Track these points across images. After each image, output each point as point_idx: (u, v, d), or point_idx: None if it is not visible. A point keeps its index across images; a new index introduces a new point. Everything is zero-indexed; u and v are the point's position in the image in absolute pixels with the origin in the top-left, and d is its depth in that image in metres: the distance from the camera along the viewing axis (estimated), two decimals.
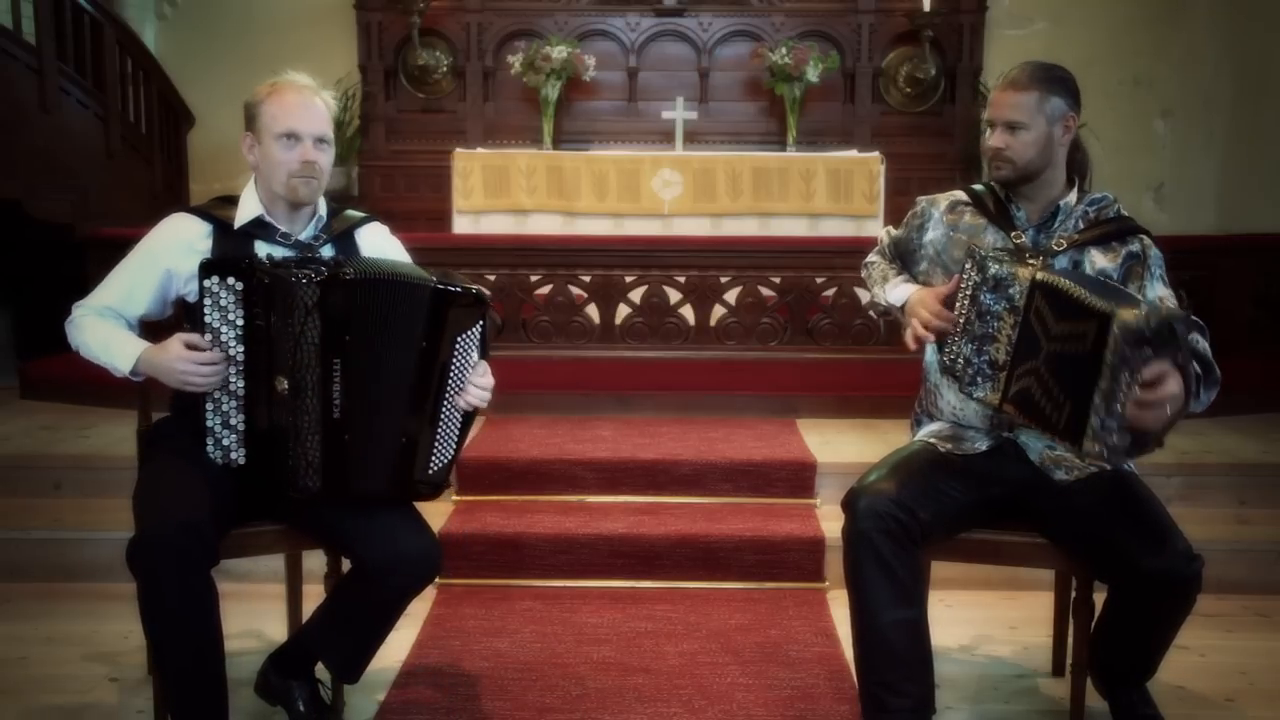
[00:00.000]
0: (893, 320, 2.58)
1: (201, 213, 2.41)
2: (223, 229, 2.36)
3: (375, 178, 7.27)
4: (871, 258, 2.68)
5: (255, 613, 3.01)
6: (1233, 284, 4.79)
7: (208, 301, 2.20)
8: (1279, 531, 3.52)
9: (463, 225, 6.16)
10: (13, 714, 2.57)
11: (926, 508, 2.29)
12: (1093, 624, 2.41)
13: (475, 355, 2.36)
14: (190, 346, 2.21)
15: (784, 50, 6.87)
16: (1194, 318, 2.20)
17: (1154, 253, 2.39)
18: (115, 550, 3.20)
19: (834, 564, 2.82)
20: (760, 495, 3.63)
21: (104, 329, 2.34)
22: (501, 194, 6.17)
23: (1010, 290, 2.23)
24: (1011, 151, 2.36)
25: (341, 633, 2.36)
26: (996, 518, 2.44)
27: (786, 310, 4.73)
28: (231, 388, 2.25)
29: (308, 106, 2.35)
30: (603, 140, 7.23)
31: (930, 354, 2.52)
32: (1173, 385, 2.02)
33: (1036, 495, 2.39)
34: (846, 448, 3.84)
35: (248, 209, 2.38)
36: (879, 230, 2.82)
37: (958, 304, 2.30)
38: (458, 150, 6.36)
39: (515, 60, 6.96)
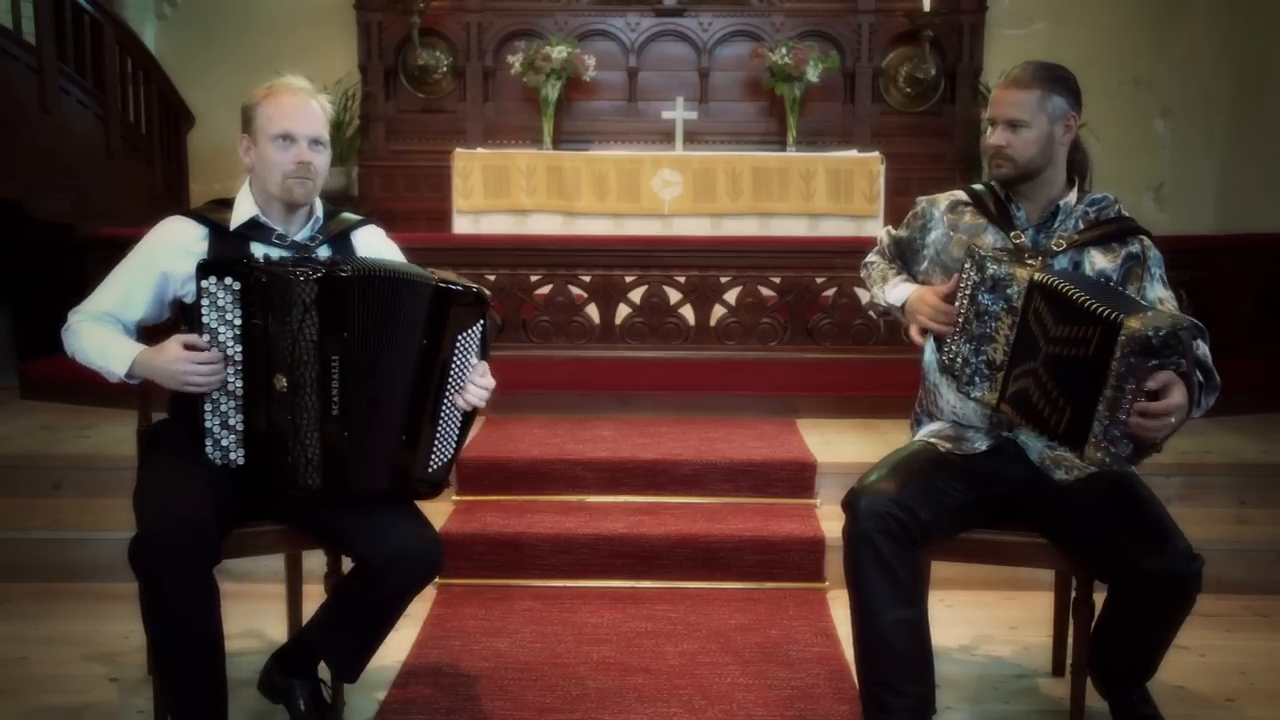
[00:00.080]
0: (892, 320, 2.58)
1: (197, 215, 2.42)
2: (218, 231, 2.37)
3: (375, 178, 7.28)
4: (871, 258, 2.68)
5: (255, 613, 3.01)
6: (1233, 284, 4.79)
7: (205, 302, 2.21)
8: (1279, 531, 3.52)
9: (463, 225, 6.16)
10: (13, 714, 2.57)
11: (927, 508, 2.29)
12: (1093, 624, 2.41)
13: (475, 354, 2.36)
14: (189, 347, 2.22)
15: (784, 50, 6.87)
16: (1194, 320, 2.21)
17: (1154, 254, 2.39)
18: (115, 550, 3.21)
19: (834, 564, 2.82)
20: (760, 495, 3.63)
21: (100, 334, 2.34)
22: (501, 194, 6.17)
23: (1008, 290, 2.23)
24: (1012, 149, 2.36)
25: (343, 631, 2.37)
26: (996, 518, 2.44)
27: (786, 310, 4.73)
28: (230, 388, 2.25)
29: (303, 108, 2.36)
30: (603, 140, 7.23)
31: (929, 354, 2.52)
32: (1177, 395, 2.03)
33: (1036, 495, 2.39)
34: (846, 448, 3.84)
35: (243, 211, 2.39)
36: (879, 230, 2.82)
37: (957, 303, 2.30)
38: (458, 150, 6.36)
39: (515, 60, 6.96)
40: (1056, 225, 2.40)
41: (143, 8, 7.34)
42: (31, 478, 3.73)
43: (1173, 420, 2.05)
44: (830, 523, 3.35)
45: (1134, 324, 2.00)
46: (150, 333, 2.44)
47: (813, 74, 6.83)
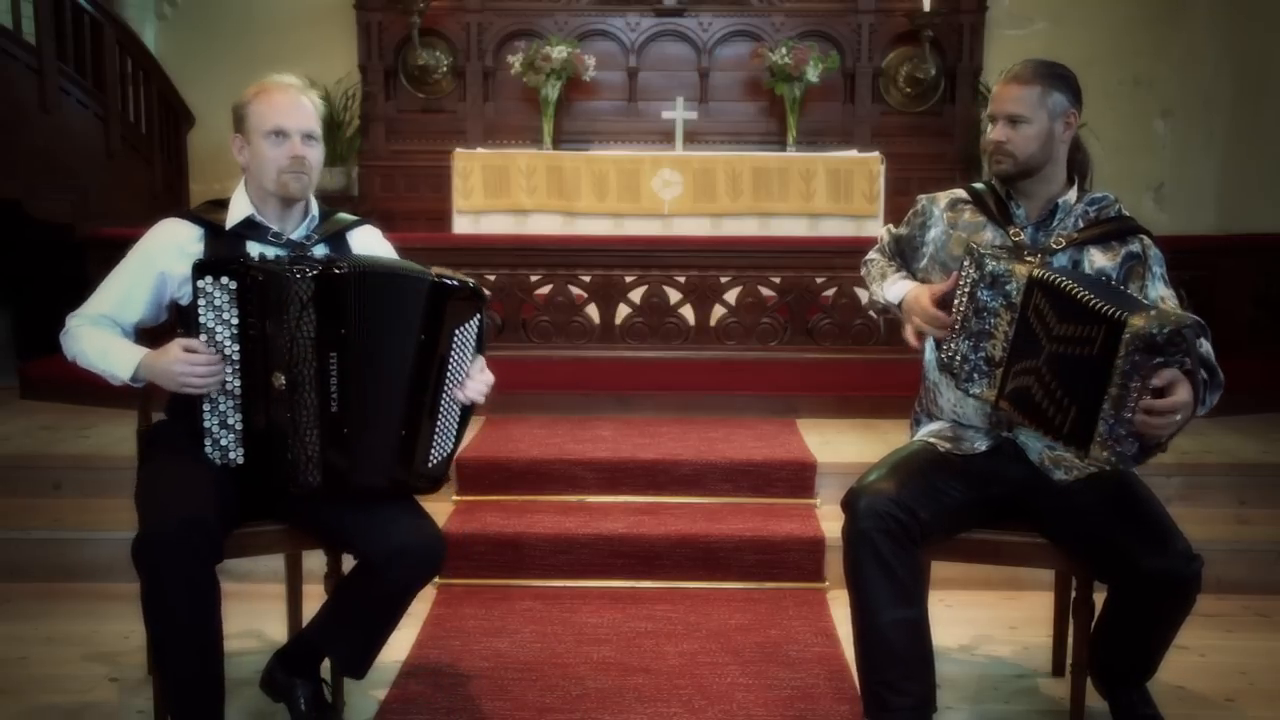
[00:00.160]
0: (892, 319, 2.58)
1: (192, 216, 2.42)
2: (214, 231, 2.38)
3: (375, 178, 7.28)
4: (871, 255, 2.68)
5: (255, 613, 3.02)
6: (1233, 284, 4.79)
7: (202, 302, 2.21)
8: (1279, 531, 3.52)
9: (463, 225, 6.16)
10: (13, 714, 2.58)
11: (926, 507, 2.29)
12: (1093, 624, 2.41)
13: (473, 349, 2.37)
14: (188, 350, 2.22)
15: (784, 50, 6.87)
16: (1198, 319, 2.21)
17: (1154, 252, 2.39)
18: (115, 550, 3.22)
19: (834, 564, 2.82)
20: (760, 495, 3.63)
21: (101, 337, 2.34)
22: (501, 194, 6.17)
23: (1007, 287, 2.23)
24: (1013, 145, 2.37)
25: (348, 629, 2.37)
26: (996, 517, 2.44)
27: (786, 310, 4.73)
28: (228, 387, 2.25)
29: (295, 104, 2.37)
30: (603, 140, 7.23)
31: (929, 353, 2.52)
32: (1183, 393, 2.03)
33: (1036, 495, 2.39)
34: (846, 448, 3.84)
35: (238, 210, 2.40)
36: (879, 230, 2.82)
37: (955, 301, 2.30)
38: (458, 150, 6.36)
39: (515, 60, 6.96)
40: (1056, 223, 2.40)
41: (143, 8, 7.34)
42: (31, 478, 3.73)
43: (1178, 418, 2.04)
44: (830, 523, 3.35)
45: (1138, 321, 2.00)
46: (148, 335, 2.44)
47: (813, 74, 6.83)
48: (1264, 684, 2.80)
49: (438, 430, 2.34)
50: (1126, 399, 2.02)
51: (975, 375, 2.29)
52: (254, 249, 2.34)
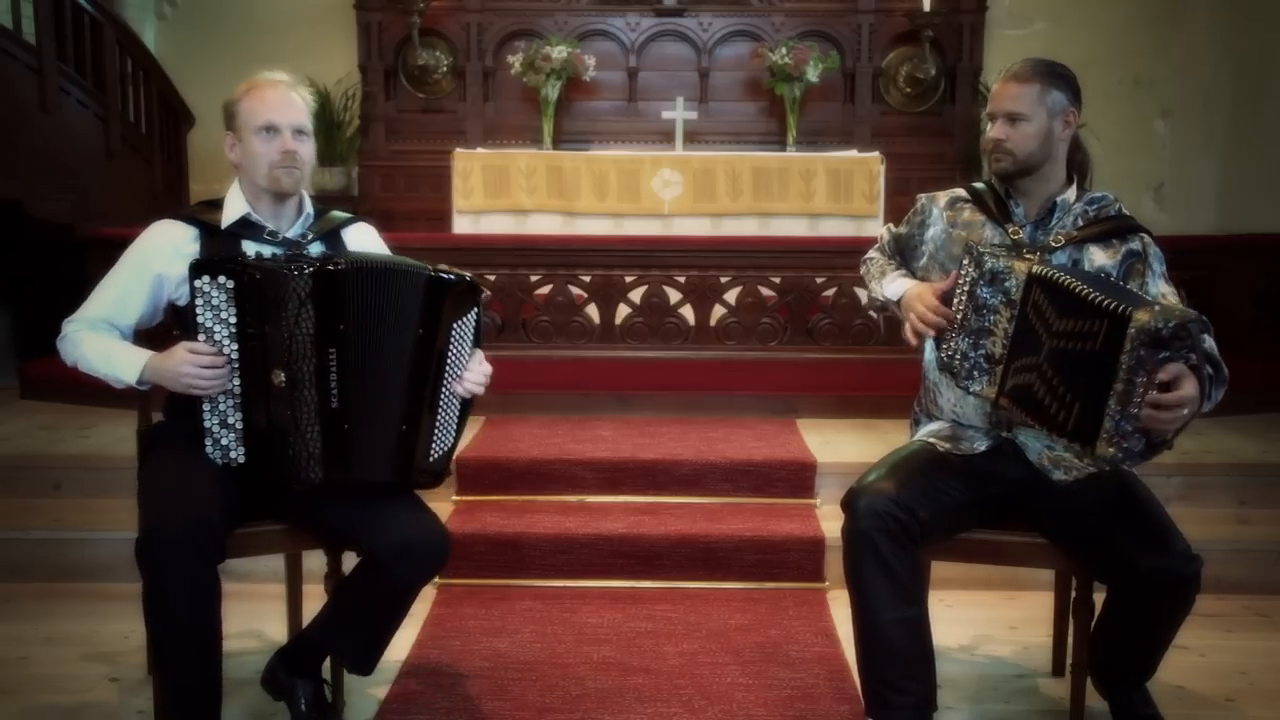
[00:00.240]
0: (892, 318, 2.58)
1: (186, 217, 2.43)
2: (209, 232, 2.38)
3: (375, 178, 7.28)
4: (871, 254, 2.68)
5: (255, 613, 3.01)
6: (1233, 284, 4.79)
7: (199, 302, 2.21)
8: (1279, 531, 3.52)
9: (463, 225, 6.16)
10: (13, 714, 2.58)
11: (926, 507, 2.29)
12: (1093, 624, 2.41)
13: (471, 343, 2.38)
14: (194, 351, 2.22)
15: (784, 50, 6.87)
16: (1201, 315, 2.20)
17: (1154, 250, 2.39)
18: (115, 550, 3.23)
19: (834, 564, 2.82)
20: (760, 495, 3.63)
21: (101, 341, 2.34)
22: (501, 194, 6.17)
23: (1006, 284, 2.23)
24: (1012, 143, 2.37)
25: (353, 626, 2.37)
26: (996, 517, 2.44)
27: (786, 310, 4.73)
28: (228, 386, 2.25)
29: (285, 99, 2.38)
30: (603, 140, 7.23)
31: (929, 353, 2.52)
32: (1189, 387, 2.03)
33: (1036, 495, 2.39)
34: (846, 448, 3.84)
35: (233, 209, 2.40)
36: (879, 230, 2.82)
37: (955, 300, 2.30)
38: (458, 150, 6.36)
39: (515, 60, 6.96)
40: (1055, 222, 2.41)
41: (143, 8, 7.34)
42: (31, 478, 3.73)
43: (1185, 412, 2.04)
44: (830, 523, 3.35)
45: (1143, 316, 2.00)
46: (144, 338, 2.44)
47: (813, 74, 6.83)
48: (1264, 684, 2.80)
49: (438, 424, 2.35)
50: (1132, 394, 2.01)
51: (975, 373, 2.29)
52: (250, 248, 2.34)
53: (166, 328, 2.45)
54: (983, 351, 2.28)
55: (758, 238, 5.77)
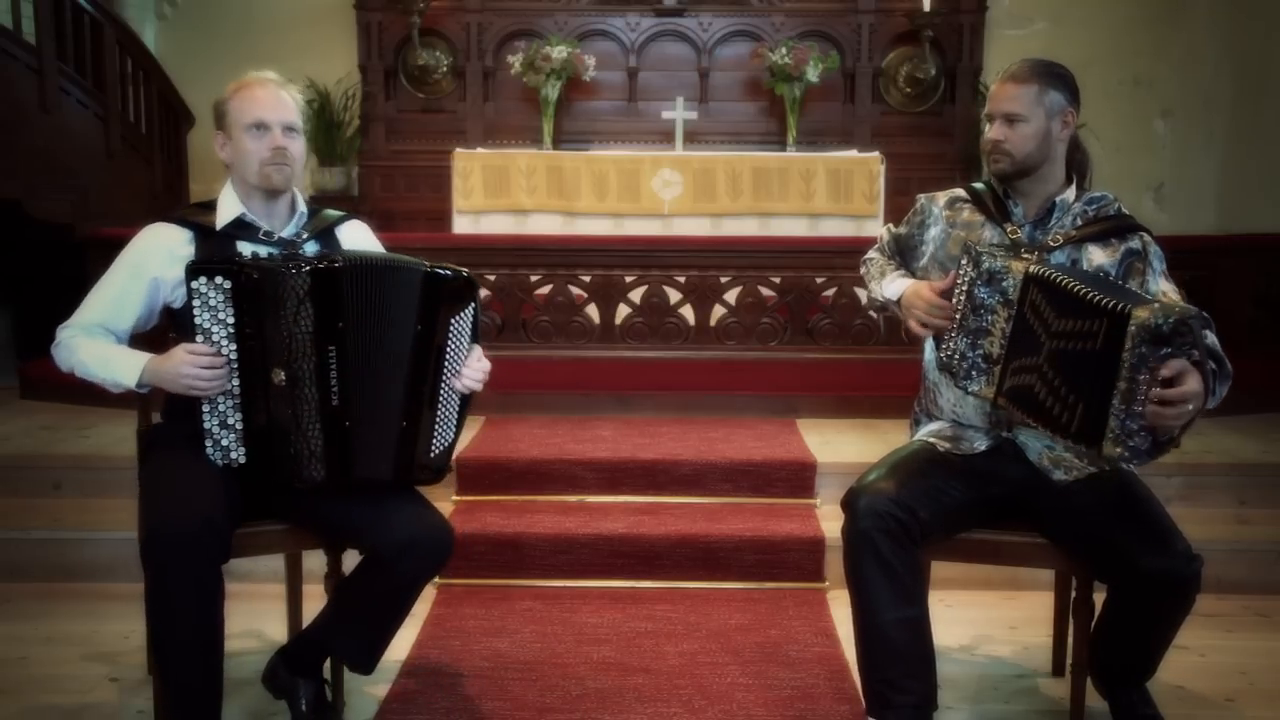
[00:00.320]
0: (891, 317, 2.58)
1: (179, 220, 2.43)
2: (204, 233, 2.38)
3: (375, 178, 7.28)
4: (871, 254, 2.68)
5: (255, 613, 3.01)
6: (1233, 284, 4.79)
7: (197, 303, 2.21)
8: (1279, 531, 3.52)
9: (463, 225, 6.16)
10: (13, 714, 2.58)
11: (926, 507, 2.30)
12: (1093, 624, 2.41)
13: (468, 338, 2.38)
14: (193, 353, 2.22)
15: (784, 50, 6.87)
16: (1202, 312, 2.20)
17: (1154, 248, 2.39)
18: (115, 550, 3.23)
19: (834, 564, 2.82)
20: (760, 495, 3.63)
21: (99, 346, 2.34)
22: (501, 194, 6.17)
23: (1004, 284, 2.23)
24: (1010, 144, 2.37)
25: (355, 624, 2.37)
26: (996, 517, 2.44)
27: (786, 310, 4.73)
28: (227, 387, 2.25)
29: (274, 97, 2.39)
30: (603, 140, 7.23)
31: (929, 353, 2.52)
32: (1193, 383, 2.02)
33: (1036, 495, 2.39)
34: (846, 448, 3.84)
35: (227, 210, 2.40)
36: (879, 230, 2.82)
37: (954, 299, 2.30)
38: (458, 150, 6.36)
39: (515, 60, 6.96)
40: (1054, 222, 2.41)
41: (143, 8, 7.34)
42: (31, 478, 3.73)
43: (1190, 408, 2.03)
44: (830, 523, 3.35)
45: (1143, 313, 2.00)
46: (138, 342, 2.43)
47: (813, 74, 6.83)
48: (1264, 684, 2.80)
49: (438, 420, 2.35)
50: (1136, 393, 2.01)
51: (973, 373, 2.29)
52: (245, 249, 2.35)
53: (161, 331, 2.44)
54: (980, 351, 2.28)
55: (758, 238, 5.77)
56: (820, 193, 6.15)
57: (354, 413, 2.26)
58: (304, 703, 2.43)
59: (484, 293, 4.57)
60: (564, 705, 2.58)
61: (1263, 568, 3.38)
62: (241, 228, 2.39)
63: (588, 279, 4.70)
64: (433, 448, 2.36)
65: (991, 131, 2.40)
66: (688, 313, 4.72)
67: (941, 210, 2.52)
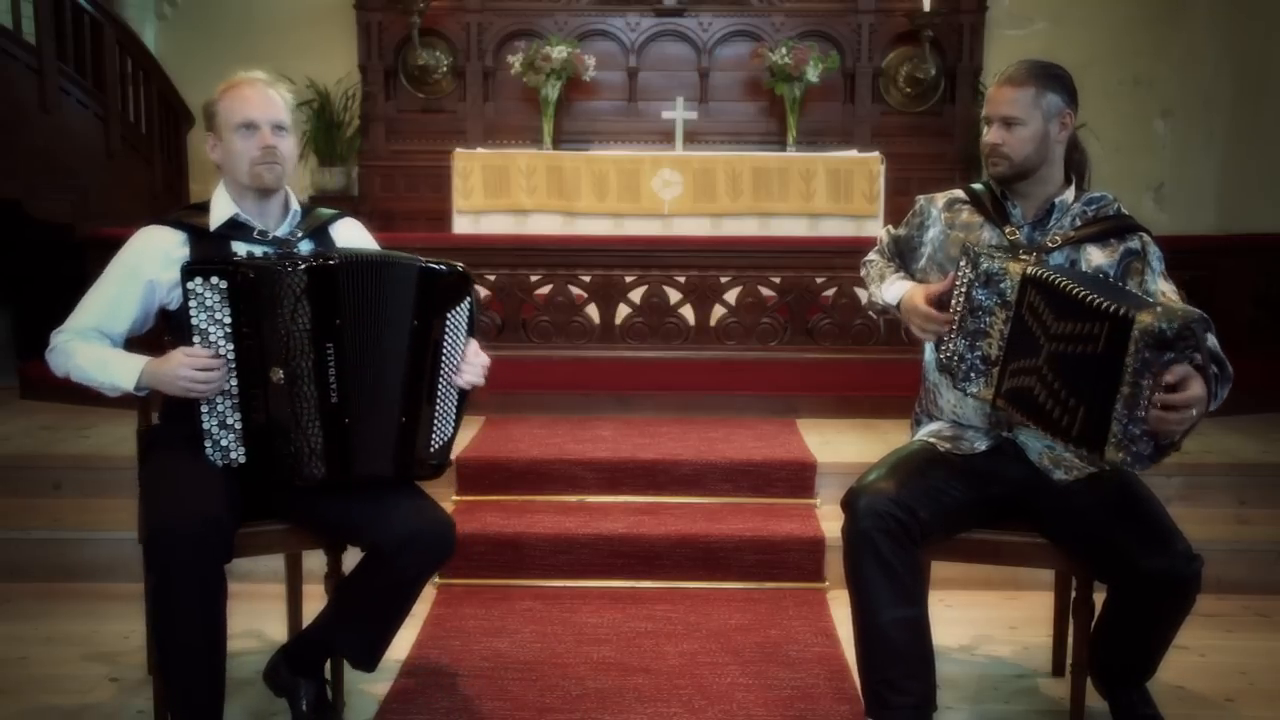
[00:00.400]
0: (892, 319, 2.58)
1: (173, 222, 2.43)
2: (198, 235, 2.38)
3: (375, 178, 7.27)
4: (870, 256, 2.68)
5: (255, 613, 3.01)
6: (1233, 284, 4.78)
7: (193, 304, 2.21)
8: (1279, 531, 3.52)
9: (463, 225, 6.16)
10: (13, 714, 2.58)
11: (926, 507, 2.29)
12: (1093, 624, 2.41)
13: (465, 333, 2.39)
14: (191, 354, 2.23)
15: (784, 50, 6.87)
16: (1202, 314, 2.20)
17: (1153, 248, 2.39)
18: (115, 550, 3.23)
19: (834, 564, 2.82)
20: (760, 495, 3.63)
21: (95, 350, 2.34)
22: (501, 194, 6.16)
23: (1001, 285, 2.23)
24: (1008, 147, 2.37)
25: (358, 621, 2.37)
26: (996, 517, 2.44)
27: (786, 310, 4.73)
28: (225, 387, 2.25)
29: (263, 96, 2.39)
30: (603, 140, 7.23)
31: (929, 353, 2.52)
32: (1196, 387, 2.02)
33: (1036, 495, 2.39)
34: (846, 448, 3.84)
35: (220, 211, 2.40)
36: (879, 230, 2.82)
37: (953, 301, 2.30)
38: (458, 150, 6.35)
39: (515, 60, 6.96)
40: (1053, 223, 2.41)
41: (143, 8, 7.34)
42: (31, 478, 3.73)
43: (1193, 413, 2.03)
44: (830, 523, 3.35)
45: (1146, 318, 1.99)
46: (134, 345, 2.43)
47: (813, 74, 6.83)
48: (1264, 684, 2.80)
49: (437, 415, 2.36)
50: (1139, 397, 2.00)
51: (972, 374, 2.29)
52: (240, 249, 2.35)
53: (156, 335, 2.44)
54: (979, 353, 2.28)
55: (758, 238, 5.77)
56: (820, 193, 6.15)
57: (353, 410, 2.26)
58: (305, 702, 2.44)
59: (484, 293, 4.58)
60: (564, 705, 2.58)
61: (1263, 568, 3.38)
62: (235, 228, 2.39)
63: (588, 279, 4.70)
64: (432, 443, 2.37)
65: (989, 135, 2.40)
66: (688, 313, 4.71)
67: (940, 212, 2.52)
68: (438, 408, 2.35)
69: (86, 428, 4.10)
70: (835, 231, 6.05)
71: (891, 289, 2.51)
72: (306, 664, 2.46)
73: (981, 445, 2.44)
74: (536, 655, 2.85)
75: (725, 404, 4.32)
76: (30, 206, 5.26)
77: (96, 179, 5.66)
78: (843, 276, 4.65)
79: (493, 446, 3.80)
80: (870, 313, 4.56)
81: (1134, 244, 2.38)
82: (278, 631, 2.86)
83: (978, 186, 2.52)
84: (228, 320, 2.23)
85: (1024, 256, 2.30)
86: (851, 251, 3.44)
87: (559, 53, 6.80)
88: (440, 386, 2.35)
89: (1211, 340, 2.18)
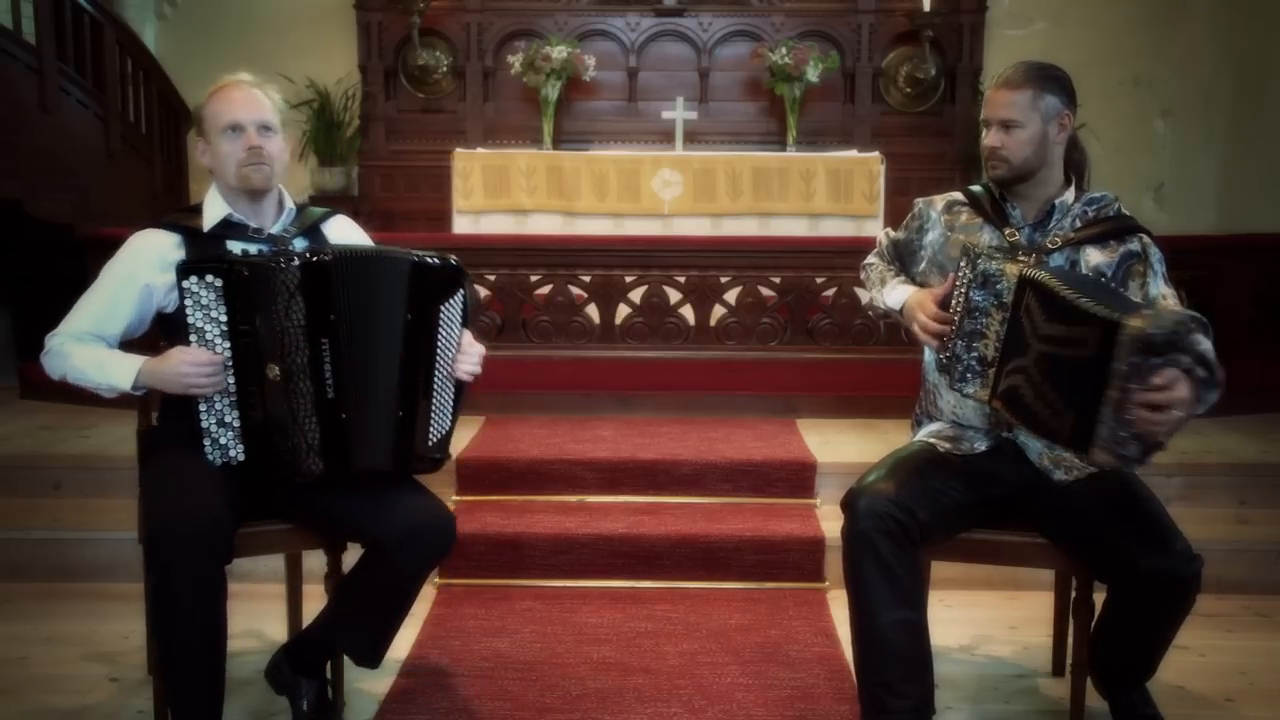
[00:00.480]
0: (892, 322, 2.58)
1: (167, 225, 2.43)
2: (192, 236, 2.39)
3: (375, 178, 7.27)
4: (870, 259, 2.68)
5: (255, 613, 3.01)
6: (1233, 284, 4.78)
7: (189, 302, 2.22)
8: (1279, 531, 3.52)
9: (463, 225, 6.16)
10: (13, 714, 2.58)
11: (926, 508, 2.29)
12: (1093, 624, 2.41)
13: (459, 324, 2.39)
14: (189, 352, 2.23)
15: (784, 50, 6.86)
16: (1197, 315, 2.20)
17: (1154, 250, 2.39)
18: (115, 550, 3.24)
19: (834, 564, 2.82)
20: (760, 495, 3.63)
21: (92, 351, 2.34)
22: (501, 194, 6.16)
23: (998, 286, 2.23)
24: (1007, 150, 2.37)
25: (360, 617, 2.37)
26: (996, 518, 2.44)
27: (786, 310, 4.73)
28: (224, 385, 2.25)
29: (248, 98, 2.40)
30: (603, 140, 7.22)
31: (929, 354, 2.52)
32: (1182, 390, 2.02)
33: (1036, 495, 2.39)
34: (846, 448, 3.84)
35: (214, 211, 2.41)
36: (879, 230, 2.82)
37: (953, 302, 2.30)
38: (458, 150, 6.35)
39: (515, 60, 6.95)
40: (1053, 224, 2.40)
41: (143, 8, 7.33)
42: (31, 478, 3.73)
43: (1178, 415, 2.03)
44: (830, 523, 3.36)
45: (1136, 323, 1.99)
46: (129, 349, 2.43)
47: (813, 74, 6.83)
48: (1264, 684, 2.80)
49: (434, 408, 2.36)
50: (1127, 402, 2.01)
51: (969, 375, 2.30)
52: (235, 248, 2.36)
53: (151, 339, 2.44)
54: (976, 354, 2.28)
55: (758, 238, 5.77)
56: (820, 193, 6.15)
57: (350, 404, 2.26)
58: (305, 702, 2.44)
59: (484, 293, 4.58)
60: (564, 705, 2.58)
61: (1263, 568, 3.38)
62: (229, 227, 2.40)
63: (588, 279, 4.70)
64: (430, 435, 2.37)
65: (988, 138, 2.39)
66: (688, 313, 4.71)
67: (940, 214, 2.52)
68: (435, 400, 2.36)
69: (86, 428, 4.10)
70: (835, 231, 6.05)
71: (894, 293, 2.51)
72: (308, 663, 2.46)
73: (981, 446, 2.44)
74: (536, 655, 2.85)
75: (725, 404, 4.33)
76: (30, 206, 5.26)
77: (96, 179, 5.66)
78: (843, 276, 4.64)
79: (493, 446, 3.80)
80: (870, 314, 4.57)
81: (1134, 246, 2.38)
82: (278, 631, 2.86)
83: (977, 188, 2.52)
84: (224, 318, 2.23)
85: (1022, 258, 2.30)
86: (851, 251, 3.44)
87: (559, 53, 6.80)
88: (437, 379, 2.35)
89: (1206, 345, 2.18)
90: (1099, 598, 2.39)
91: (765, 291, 4.75)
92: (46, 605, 3.22)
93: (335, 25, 7.32)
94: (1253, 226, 6.08)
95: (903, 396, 2.87)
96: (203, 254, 2.32)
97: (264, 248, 2.36)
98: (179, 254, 2.36)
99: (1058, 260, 2.36)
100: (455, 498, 3.60)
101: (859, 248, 2.88)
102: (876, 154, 6.30)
